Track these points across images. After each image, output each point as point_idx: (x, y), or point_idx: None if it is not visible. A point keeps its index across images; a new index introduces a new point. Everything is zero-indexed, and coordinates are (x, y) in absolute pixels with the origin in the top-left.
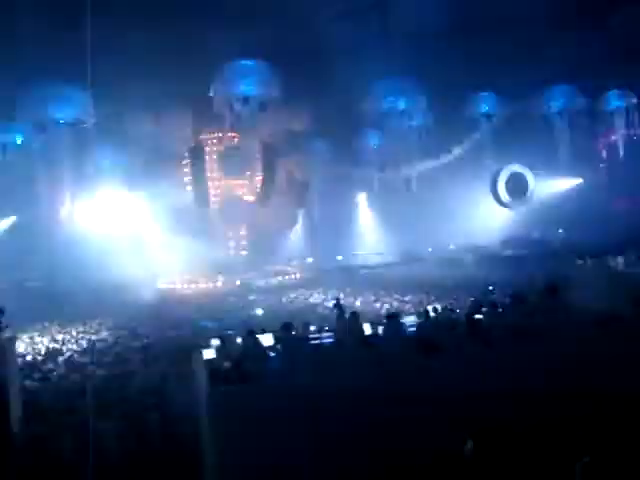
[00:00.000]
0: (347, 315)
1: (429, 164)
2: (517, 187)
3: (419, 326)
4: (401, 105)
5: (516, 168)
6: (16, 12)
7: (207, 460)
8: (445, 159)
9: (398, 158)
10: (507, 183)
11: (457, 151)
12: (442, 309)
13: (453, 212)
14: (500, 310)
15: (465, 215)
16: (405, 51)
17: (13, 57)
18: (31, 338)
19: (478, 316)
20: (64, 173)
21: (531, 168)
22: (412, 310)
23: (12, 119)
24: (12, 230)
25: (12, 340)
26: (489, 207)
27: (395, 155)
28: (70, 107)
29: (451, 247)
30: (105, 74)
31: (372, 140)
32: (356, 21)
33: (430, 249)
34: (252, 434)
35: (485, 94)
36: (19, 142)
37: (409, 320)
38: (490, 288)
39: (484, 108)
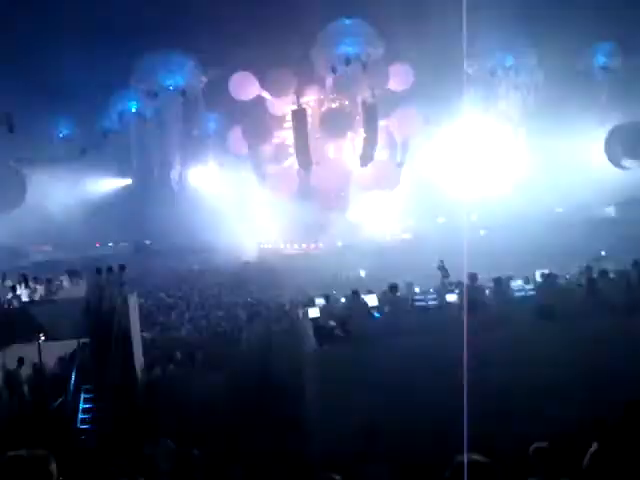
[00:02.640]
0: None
1: (538, 123)
2: (634, 146)
3: (537, 291)
4: (508, 61)
5: (634, 126)
6: None
7: (309, 414)
8: (555, 118)
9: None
10: (623, 141)
11: (568, 109)
12: (549, 274)
13: (560, 173)
14: (613, 277)
15: (576, 176)
16: (511, 3)
17: (127, 29)
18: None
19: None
20: (174, 138)
21: None
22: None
23: (126, 88)
24: (126, 192)
25: (133, 295)
26: (603, 168)
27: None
28: (179, 74)
29: (558, 210)
30: (211, 41)
31: (474, 99)
32: None
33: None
34: (353, 392)
35: (604, 44)
36: (133, 110)
37: (516, 284)
38: (602, 253)
39: (600, 60)
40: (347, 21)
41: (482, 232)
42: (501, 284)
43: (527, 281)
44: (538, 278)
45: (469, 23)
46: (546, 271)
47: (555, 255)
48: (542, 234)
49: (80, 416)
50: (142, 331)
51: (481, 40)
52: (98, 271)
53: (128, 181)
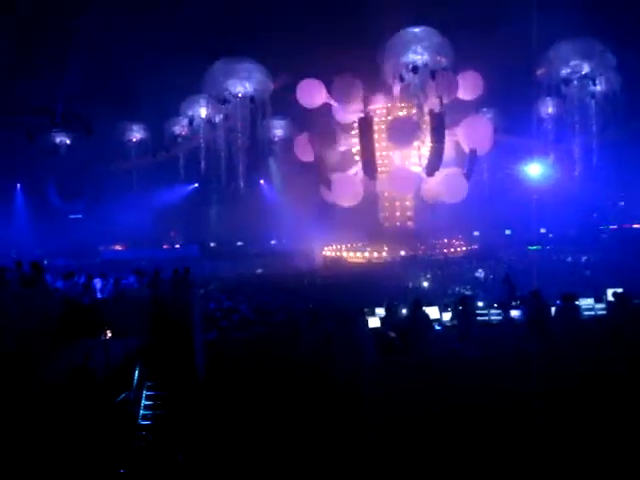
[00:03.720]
0: (517, 291)
1: (613, 135)
2: None
3: (609, 314)
4: (585, 69)
5: None
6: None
7: (368, 427)
8: (634, 129)
9: (577, 128)
10: None
11: None
12: (622, 294)
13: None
14: None
15: None
16: (587, 8)
17: (199, 36)
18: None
19: None
20: (242, 143)
21: None
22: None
23: (197, 94)
24: (194, 195)
25: (197, 296)
26: None
27: (574, 125)
28: (248, 81)
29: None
30: (281, 49)
31: (548, 109)
32: None
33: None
34: (413, 404)
35: None
36: (203, 115)
37: (585, 303)
38: None
39: None
40: (415, 29)
41: (548, 247)
42: (569, 302)
43: (598, 300)
44: (610, 297)
45: (542, 29)
46: (619, 290)
47: (629, 274)
48: (615, 250)
49: (142, 412)
50: (205, 331)
51: (555, 47)
52: (174, 272)
53: (195, 185)
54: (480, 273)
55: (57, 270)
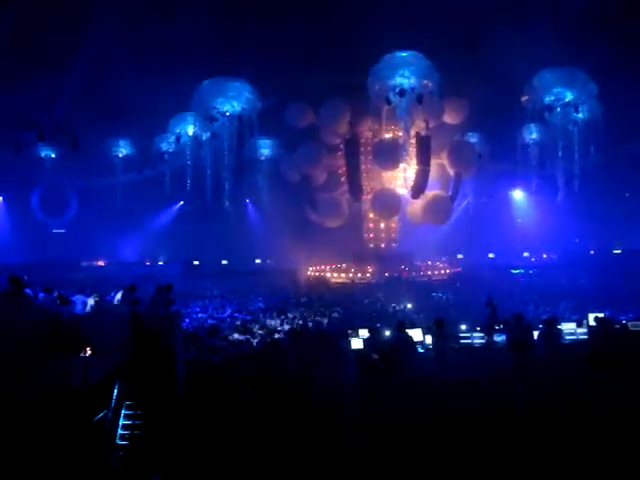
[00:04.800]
0: (499, 315)
1: (595, 161)
2: None
3: (590, 335)
4: (567, 97)
5: None
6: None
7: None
8: (615, 156)
9: (560, 154)
10: None
11: (629, 148)
12: (604, 318)
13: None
14: None
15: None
16: (571, 38)
17: (189, 56)
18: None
19: None
20: (228, 162)
21: None
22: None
23: (185, 111)
24: (179, 212)
25: (179, 314)
26: None
27: (557, 151)
28: (236, 100)
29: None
30: (269, 69)
31: (532, 135)
32: (515, 10)
33: (592, 252)
34: (395, 427)
35: None
36: (190, 133)
37: (567, 327)
38: None
39: None
40: (403, 53)
41: (531, 271)
42: (551, 326)
43: (580, 324)
44: (592, 322)
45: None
46: (600, 315)
47: (611, 299)
48: (599, 276)
49: (120, 431)
50: (186, 350)
51: (539, 75)
52: (157, 289)
53: (180, 202)
54: (465, 296)
55: (37, 285)
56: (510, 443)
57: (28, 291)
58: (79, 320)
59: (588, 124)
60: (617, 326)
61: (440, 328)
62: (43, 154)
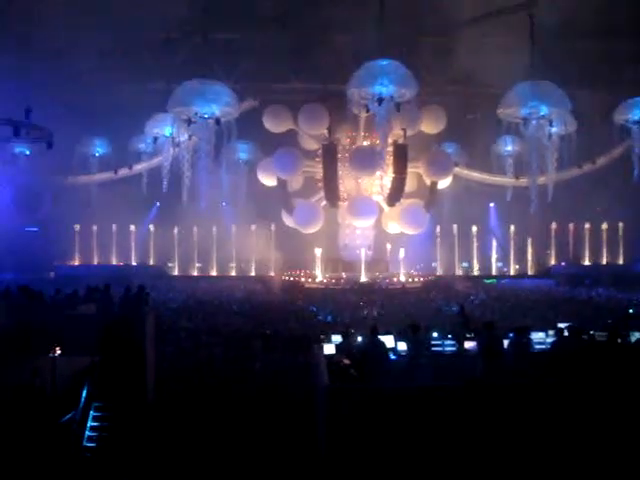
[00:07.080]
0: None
1: (568, 174)
2: None
3: (555, 345)
4: (543, 110)
5: None
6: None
7: (321, 454)
8: (587, 169)
9: (534, 166)
10: None
11: (602, 161)
12: (574, 329)
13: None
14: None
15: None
16: (548, 54)
17: (164, 60)
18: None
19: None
20: (205, 164)
21: None
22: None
23: (163, 112)
24: (157, 220)
25: (151, 313)
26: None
27: (531, 163)
28: (215, 103)
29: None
30: (248, 73)
31: (507, 147)
32: (495, 23)
33: (563, 263)
34: (367, 434)
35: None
36: (167, 134)
37: (537, 337)
38: (630, 311)
39: (637, 115)
40: (383, 61)
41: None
42: (521, 334)
43: (548, 334)
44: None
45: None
46: (567, 324)
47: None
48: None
49: (87, 433)
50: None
51: (515, 87)
52: (126, 290)
53: (157, 204)
54: (436, 304)
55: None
56: (479, 448)
57: None
58: (48, 320)
59: (562, 137)
60: (585, 337)
61: (415, 332)
62: (17, 150)
